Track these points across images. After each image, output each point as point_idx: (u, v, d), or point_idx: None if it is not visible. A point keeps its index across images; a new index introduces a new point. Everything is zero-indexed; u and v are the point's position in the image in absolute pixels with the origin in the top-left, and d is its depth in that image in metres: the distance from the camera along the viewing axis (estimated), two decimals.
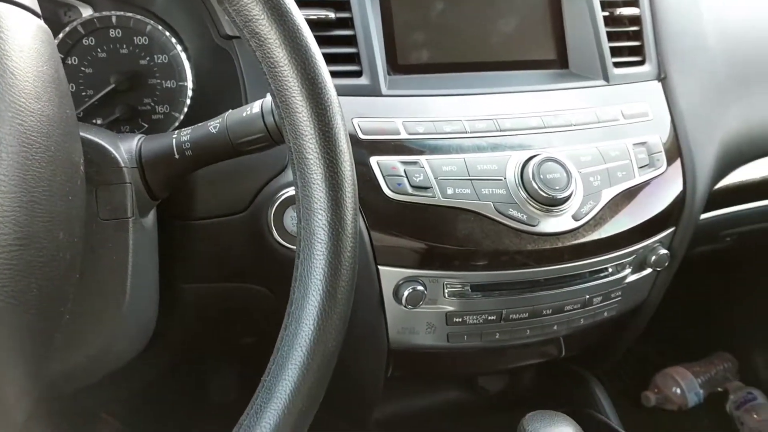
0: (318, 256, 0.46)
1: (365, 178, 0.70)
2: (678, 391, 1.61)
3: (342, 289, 0.46)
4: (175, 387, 1.22)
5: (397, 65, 0.78)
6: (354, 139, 0.71)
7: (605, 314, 0.85)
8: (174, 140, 0.57)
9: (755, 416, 1.53)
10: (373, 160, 0.71)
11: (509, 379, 1.09)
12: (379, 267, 0.72)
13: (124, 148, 0.58)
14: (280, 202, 0.69)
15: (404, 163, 0.71)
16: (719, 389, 1.65)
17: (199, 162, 0.58)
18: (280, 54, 0.45)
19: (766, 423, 1.51)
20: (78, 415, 1.05)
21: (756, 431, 1.50)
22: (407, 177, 0.71)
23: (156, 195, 0.60)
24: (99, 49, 0.71)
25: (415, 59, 0.80)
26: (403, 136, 0.72)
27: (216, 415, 0.89)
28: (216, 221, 0.71)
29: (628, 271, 0.83)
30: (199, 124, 0.58)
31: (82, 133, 0.53)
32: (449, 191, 0.71)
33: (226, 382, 1.15)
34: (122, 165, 0.56)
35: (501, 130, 0.76)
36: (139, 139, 0.60)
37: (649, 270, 0.85)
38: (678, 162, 0.85)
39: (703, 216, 0.92)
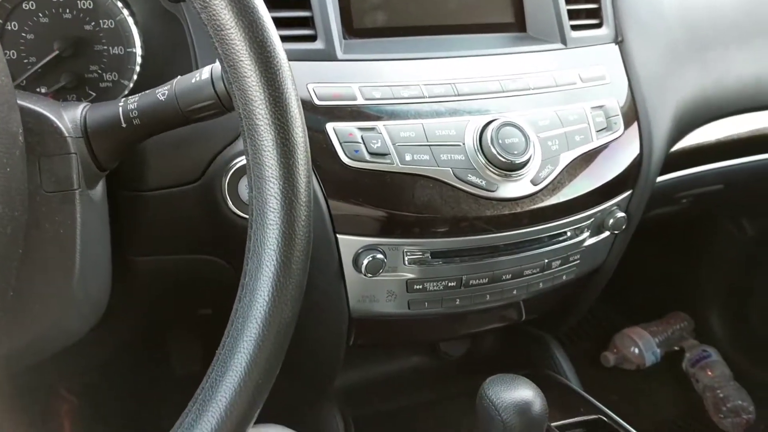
0: (271, 225, 0.45)
1: (321, 145, 0.69)
2: (636, 350, 1.65)
3: (297, 258, 0.45)
4: (138, 360, 1.20)
5: (352, 29, 0.76)
6: (309, 106, 0.69)
7: (564, 278, 0.86)
8: (121, 108, 0.55)
9: (709, 373, 1.58)
10: (330, 127, 0.69)
11: (471, 343, 1.09)
12: (338, 236, 0.71)
13: (68, 117, 0.55)
14: (235, 170, 0.67)
15: (361, 129, 0.70)
16: (676, 348, 1.69)
17: (148, 131, 0.56)
18: (225, 16, 0.43)
19: (720, 379, 1.55)
20: (35, 391, 1.03)
21: (710, 387, 1.55)
22: (364, 143, 0.69)
23: (104, 165, 0.58)
24: (40, 14, 0.67)
25: (371, 23, 0.78)
26: (360, 101, 0.71)
27: (180, 387, 0.88)
28: (168, 192, 0.69)
29: (586, 234, 0.84)
30: (147, 91, 0.55)
31: (20, 102, 0.51)
32: (407, 157, 0.70)
33: (189, 354, 1.14)
34: (66, 135, 0.54)
35: (459, 95, 0.75)
36: (84, 107, 0.57)
37: (606, 233, 0.86)
38: (635, 125, 0.85)
39: (660, 178, 0.93)
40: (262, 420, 0.74)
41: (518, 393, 0.65)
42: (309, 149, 0.47)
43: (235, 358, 0.44)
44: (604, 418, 0.87)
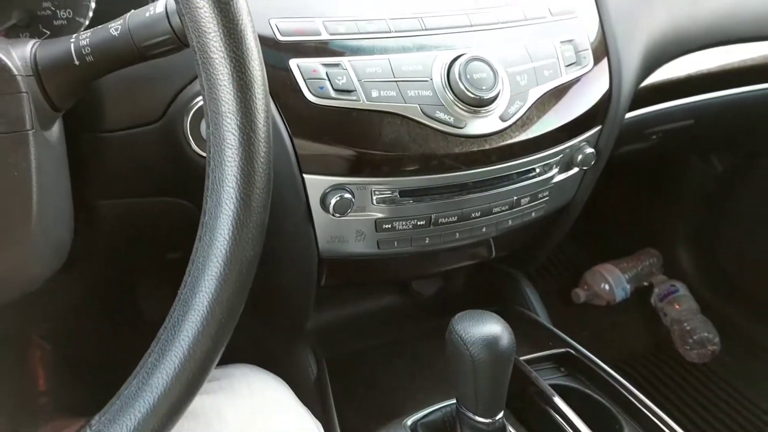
0: (229, 162, 0.44)
1: (285, 82, 0.67)
2: (606, 287, 1.68)
3: (257, 196, 0.45)
4: (110, 305, 1.20)
5: None
6: (272, 42, 0.67)
7: (533, 215, 0.86)
8: (72, 45, 0.53)
9: (677, 307, 1.62)
10: (293, 63, 0.67)
11: (442, 282, 1.10)
12: (304, 175, 0.70)
13: (17, 55, 0.53)
14: (196, 110, 0.66)
15: (326, 65, 0.68)
16: (645, 284, 1.73)
17: (102, 68, 0.54)
18: None
19: (687, 312, 1.59)
20: (9, 340, 1.03)
21: (677, 321, 1.59)
22: (329, 80, 0.68)
23: (58, 106, 0.56)
24: None
25: None
26: (324, 36, 0.69)
27: (152, 330, 0.88)
28: (129, 133, 0.67)
29: (555, 171, 0.84)
30: (100, 26, 0.53)
31: None
32: (374, 94, 0.69)
33: (160, 298, 1.14)
34: (15, 73, 0.52)
35: (426, 29, 0.73)
36: (34, 44, 0.55)
37: (575, 169, 0.86)
38: (604, 60, 0.84)
39: (629, 114, 0.93)
40: (236, 363, 0.75)
41: (486, 328, 0.65)
42: (267, 83, 0.45)
43: (197, 298, 0.44)
44: (572, 352, 0.89)
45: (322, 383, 0.87)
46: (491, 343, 0.64)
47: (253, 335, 1.00)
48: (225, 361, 0.72)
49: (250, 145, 0.44)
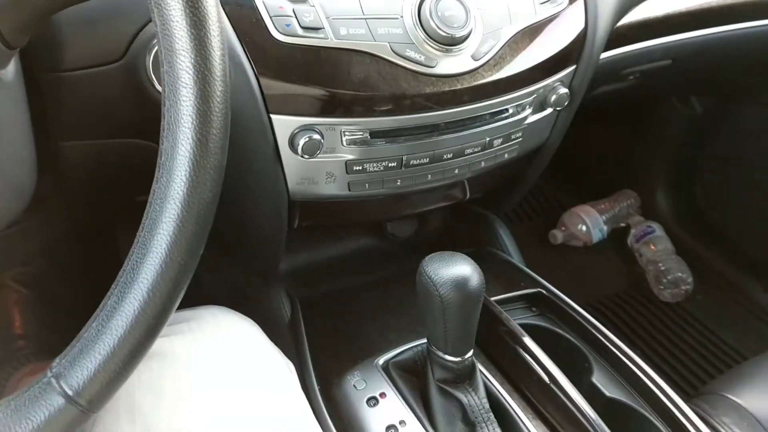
0: (184, 101, 0.42)
1: (251, 20, 0.65)
2: (583, 228, 1.69)
3: (214, 137, 0.43)
4: (84, 248, 1.19)
5: None
6: None
7: (506, 156, 0.85)
8: None
9: (652, 247, 1.64)
10: (259, 0, 0.65)
11: (417, 224, 1.10)
12: (272, 116, 0.68)
13: None
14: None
15: (293, 1, 0.66)
16: (622, 225, 1.75)
17: (54, 1, 0.52)
18: None
19: (662, 253, 1.61)
20: None
21: (652, 261, 1.61)
22: (296, 17, 0.66)
23: (11, 43, 0.53)
24: None
25: None
26: None
27: None
28: (90, 72, 0.65)
29: (528, 111, 0.83)
30: None
31: None
32: (342, 32, 0.67)
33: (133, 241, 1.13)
34: None
35: None
36: None
37: (549, 110, 0.85)
38: None
39: (605, 54, 0.92)
40: (208, 305, 0.75)
41: (455, 269, 0.65)
42: (223, 18, 0.44)
43: (155, 240, 0.43)
44: (544, 292, 0.90)
45: (295, 324, 0.87)
46: (460, 284, 0.64)
47: (227, 277, 1.00)
48: (198, 303, 0.73)
49: (205, 84, 0.43)
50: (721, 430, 0.82)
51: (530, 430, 0.70)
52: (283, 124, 0.69)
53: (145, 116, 0.68)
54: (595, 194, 1.77)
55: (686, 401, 0.82)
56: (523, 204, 1.83)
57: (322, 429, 0.67)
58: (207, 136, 0.43)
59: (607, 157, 1.80)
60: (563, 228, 1.71)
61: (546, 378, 0.72)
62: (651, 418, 0.76)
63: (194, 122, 0.43)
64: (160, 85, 0.65)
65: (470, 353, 0.71)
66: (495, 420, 0.70)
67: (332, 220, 0.89)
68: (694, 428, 0.74)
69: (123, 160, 0.76)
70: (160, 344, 0.63)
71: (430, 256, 0.67)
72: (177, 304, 0.45)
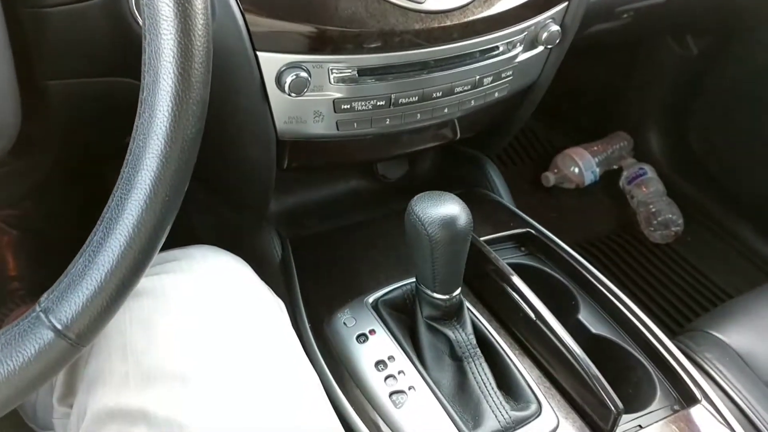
0: (165, 35, 0.42)
1: None
2: (576, 170, 1.70)
3: (196, 71, 0.43)
4: (74, 189, 1.19)
5: None
6: None
7: (496, 95, 0.85)
8: None
9: (644, 189, 1.64)
10: None
11: (408, 165, 1.10)
12: (258, 53, 0.67)
13: None
14: None
15: None
16: (614, 167, 1.75)
17: None
18: None
19: (653, 195, 1.62)
20: None
21: (643, 203, 1.62)
22: None
23: None
24: None
25: None
26: None
27: None
28: (72, 8, 0.64)
29: (519, 49, 0.82)
30: None
31: None
32: None
33: None
34: None
35: None
36: None
37: (540, 48, 0.84)
38: None
39: None
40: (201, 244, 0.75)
41: (444, 208, 0.66)
42: None
43: (140, 176, 0.43)
44: (533, 231, 0.91)
45: (286, 264, 0.88)
46: (448, 223, 0.65)
47: (218, 217, 1.01)
48: (189, 243, 0.73)
49: (186, 17, 0.42)
50: (704, 365, 0.84)
51: (516, 364, 0.72)
52: (270, 62, 0.68)
53: (128, 53, 0.67)
54: (588, 136, 1.76)
55: (671, 338, 0.84)
56: (517, 147, 1.82)
57: (313, 365, 0.69)
58: (189, 70, 0.43)
59: (601, 99, 1.79)
60: (556, 170, 1.72)
61: (532, 315, 0.74)
62: (635, 354, 0.78)
63: (175, 56, 0.42)
64: (142, 20, 0.64)
65: (458, 291, 0.71)
66: (482, 355, 0.72)
67: (322, 161, 0.89)
68: (676, 363, 0.76)
69: (109, 100, 0.75)
70: (150, 282, 0.64)
71: (418, 195, 0.68)
72: (163, 240, 0.46)
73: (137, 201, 0.43)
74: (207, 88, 0.45)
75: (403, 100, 0.76)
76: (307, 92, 0.70)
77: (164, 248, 0.69)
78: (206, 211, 1.02)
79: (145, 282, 0.64)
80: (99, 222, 0.44)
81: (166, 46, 0.42)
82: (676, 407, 0.73)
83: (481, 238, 0.84)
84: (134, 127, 0.44)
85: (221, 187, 0.92)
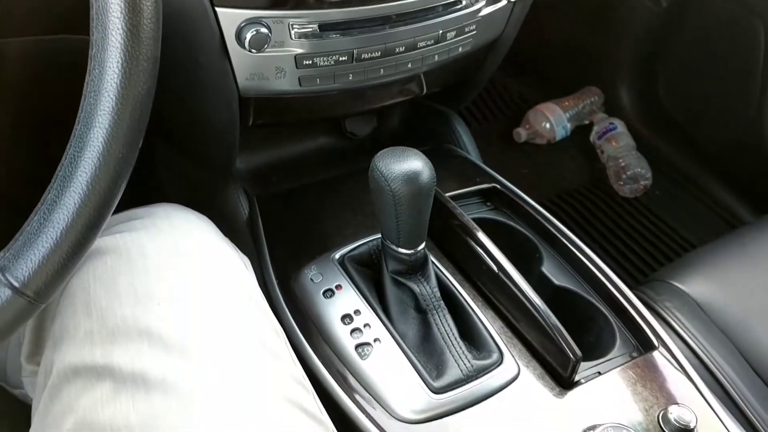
0: None
1: None
2: (547, 125, 1.70)
3: (145, 27, 0.43)
4: (37, 149, 1.17)
5: None
6: None
7: (460, 50, 0.84)
8: None
9: (614, 144, 1.66)
10: None
11: (376, 122, 1.10)
12: (217, 9, 0.66)
13: None
14: None
15: None
16: (586, 122, 1.76)
17: None
18: None
19: (623, 149, 1.64)
20: None
21: (613, 157, 1.64)
22: None
23: None
24: None
25: None
26: None
27: None
28: None
29: (482, 3, 0.81)
30: None
31: None
32: None
33: None
34: None
35: None
36: None
37: (504, 2, 0.84)
38: None
39: None
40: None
41: (406, 164, 0.66)
42: None
43: (92, 133, 0.43)
44: (498, 186, 0.91)
45: (253, 221, 0.88)
46: (411, 178, 0.65)
47: (184, 176, 1.00)
48: (155, 201, 0.73)
49: None
50: (663, 313, 0.86)
51: (479, 316, 0.73)
52: (229, 18, 0.67)
53: (78, 8, 0.66)
54: (560, 91, 1.76)
55: (633, 288, 0.86)
56: (489, 103, 1.82)
57: (280, 321, 0.69)
58: (138, 26, 0.42)
59: (573, 54, 1.79)
60: (527, 126, 1.72)
61: (495, 268, 0.75)
62: (597, 304, 0.80)
63: (123, 11, 0.42)
64: None
65: (422, 246, 0.72)
66: (445, 307, 0.73)
67: (287, 117, 0.88)
68: (636, 312, 0.78)
69: (65, 58, 0.74)
70: (113, 240, 0.64)
71: (382, 151, 0.68)
72: (119, 197, 0.46)
73: (90, 158, 0.43)
74: (158, 45, 0.44)
75: (366, 56, 0.76)
76: (268, 48, 0.70)
77: (130, 207, 0.70)
78: (172, 168, 1.01)
79: (108, 240, 0.64)
80: (53, 180, 0.44)
81: (113, 1, 0.41)
82: (634, 354, 0.75)
83: (447, 194, 0.85)
84: (85, 83, 0.43)
85: (186, 145, 0.92)
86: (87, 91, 0.43)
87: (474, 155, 1.06)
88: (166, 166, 1.02)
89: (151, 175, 1.03)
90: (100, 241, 0.64)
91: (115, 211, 0.47)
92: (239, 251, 0.72)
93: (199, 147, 0.90)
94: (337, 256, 0.79)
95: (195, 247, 0.66)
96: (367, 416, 0.66)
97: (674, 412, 0.66)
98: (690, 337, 0.83)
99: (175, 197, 0.81)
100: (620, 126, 1.69)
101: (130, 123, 0.44)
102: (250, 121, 0.83)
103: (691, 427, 0.66)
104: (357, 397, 0.68)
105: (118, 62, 0.42)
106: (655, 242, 1.48)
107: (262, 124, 0.85)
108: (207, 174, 0.95)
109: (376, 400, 0.67)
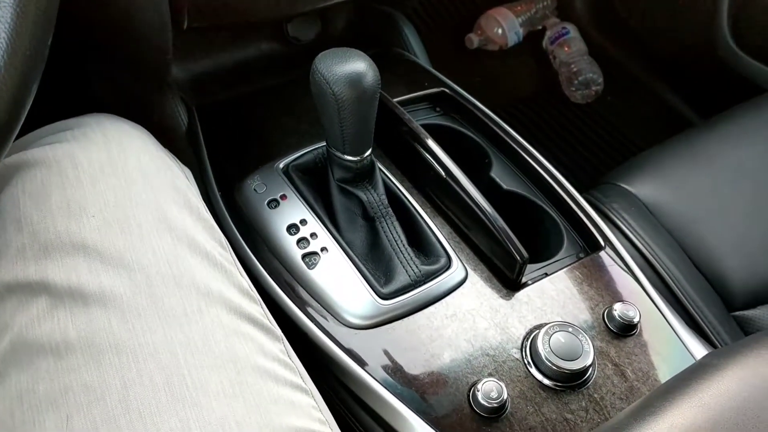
0: None
1: None
2: (499, 31, 1.66)
3: None
4: None
5: None
6: None
7: None
8: None
9: (566, 49, 1.63)
10: None
11: (321, 26, 1.05)
12: None
13: None
14: None
15: None
16: (538, 27, 1.72)
17: None
18: None
19: (575, 54, 1.62)
20: None
21: (565, 63, 1.62)
22: None
23: None
24: None
25: None
26: None
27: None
28: None
29: None
30: None
31: None
32: None
33: None
34: None
35: None
36: None
37: None
38: None
39: None
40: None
41: (349, 65, 0.63)
42: None
43: None
44: (447, 91, 0.89)
45: (193, 132, 0.85)
46: (354, 80, 0.63)
47: (120, 86, 0.95)
48: (90, 111, 0.69)
49: None
50: (610, 214, 0.87)
51: (427, 222, 0.73)
52: None
53: None
54: None
55: (582, 192, 0.86)
56: (440, 9, 1.76)
57: (225, 233, 0.67)
58: None
59: None
60: (479, 32, 1.68)
61: (443, 173, 0.74)
62: (545, 207, 0.80)
63: None
64: None
65: (369, 152, 0.71)
66: (393, 215, 0.72)
67: (225, 18, 0.83)
68: (584, 214, 0.78)
69: None
70: (42, 152, 0.60)
71: (323, 53, 0.65)
72: (30, 100, 0.42)
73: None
74: None
75: None
76: None
77: (64, 118, 0.65)
78: (106, 77, 0.96)
79: (37, 152, 0.61)
80: None
81: None
82: (581, 255, 0.76)
83: (394, 99, 0.83)
84: None
85: (117, 53, 0.86)
86: None
87: (423, 59, 1.03)
88: (100, 77, 0.96)
89: (84, 89, 0.97)
90: (29, 153, 0.61)
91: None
92: (180, 162, 0.69)
93: (130, 53, 0.84)
94: (281, 165, 0.77)
95: (130, 158, 0.63)
96: (316, 324, 0.66)
97: (618, 309, 0.68)
98: (636, 237, 0.84)
99: (110, 106, 0.76)
100: (573, 31, 1.66)
101: (35, 17, 0.40)
102: (185, 23, 0.78)
103: (635, 322, 0.67)
104: (305, 306, 0.67)
105: None
106: (605, 147, 1.49)
107: (198, 27, 0.80)
108: (143, 84, 0.90)
109: (324, 309, 0.66)
